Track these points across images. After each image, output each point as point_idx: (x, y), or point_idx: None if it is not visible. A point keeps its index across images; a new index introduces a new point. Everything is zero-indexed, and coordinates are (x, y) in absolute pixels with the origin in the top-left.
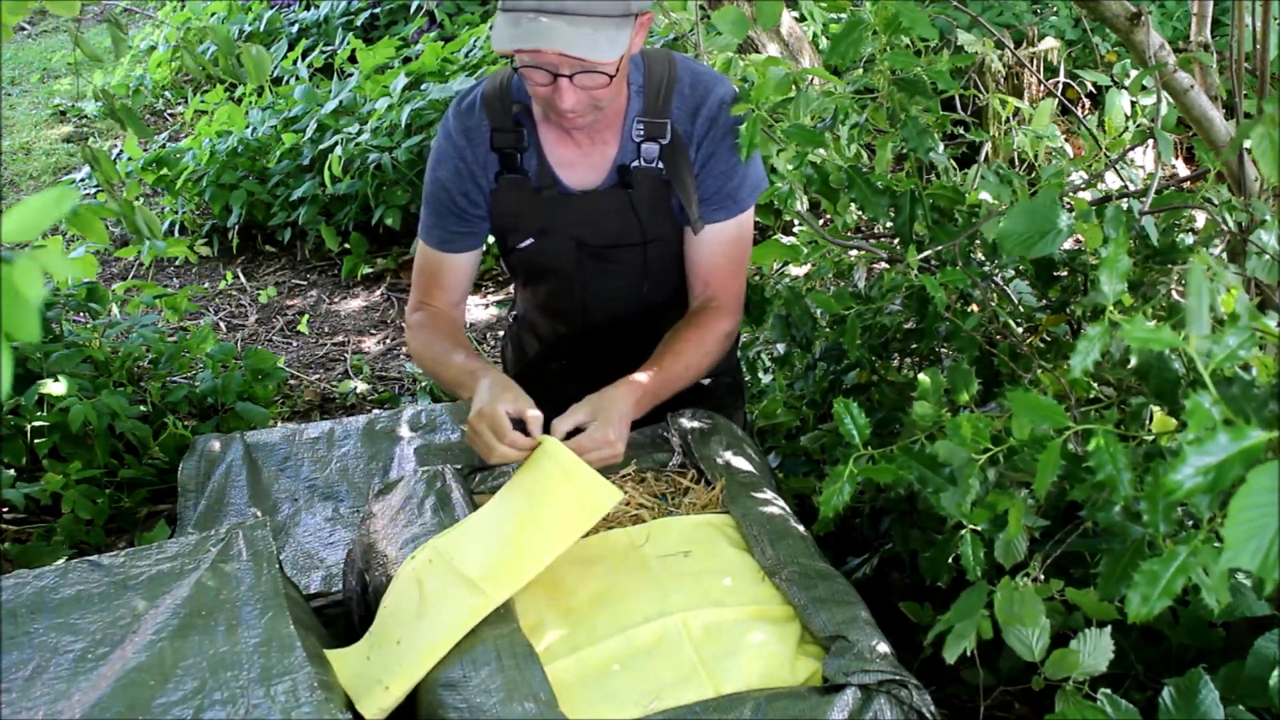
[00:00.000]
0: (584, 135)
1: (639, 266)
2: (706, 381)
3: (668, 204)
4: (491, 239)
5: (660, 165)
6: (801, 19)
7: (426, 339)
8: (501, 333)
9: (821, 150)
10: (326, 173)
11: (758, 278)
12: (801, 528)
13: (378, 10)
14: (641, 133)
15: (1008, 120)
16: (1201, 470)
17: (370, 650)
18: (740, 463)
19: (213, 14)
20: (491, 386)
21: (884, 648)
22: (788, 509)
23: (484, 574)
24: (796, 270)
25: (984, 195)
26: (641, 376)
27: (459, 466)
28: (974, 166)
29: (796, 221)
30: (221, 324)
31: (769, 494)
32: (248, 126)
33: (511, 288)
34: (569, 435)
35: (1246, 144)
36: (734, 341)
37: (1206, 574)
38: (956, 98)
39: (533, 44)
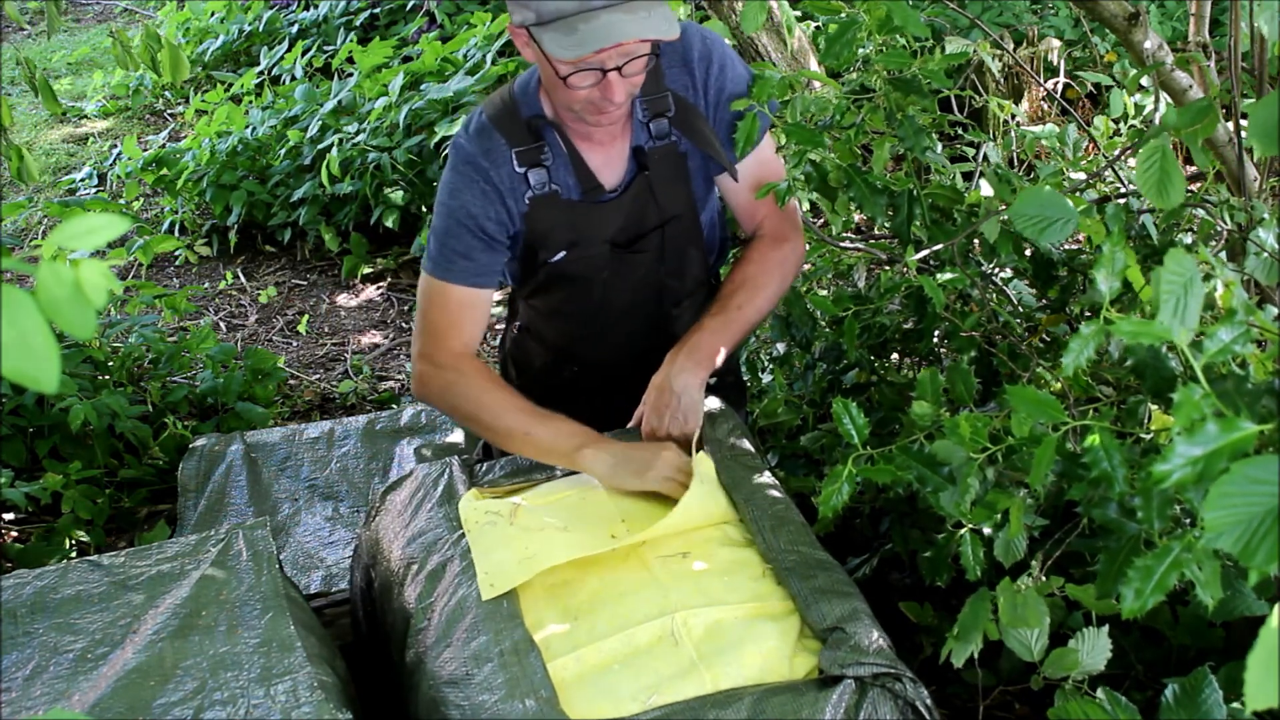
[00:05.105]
0: (605, 133)
1: (657, 250)
2: (711, 380)
3: (684, 176)
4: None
5: (674, 137)
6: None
7: (472, 391)
8: (498, 343)
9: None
10: (324, 173)
11: None
12: (801, 517)
13: (377, 10)
14: (647, 111)
15: (1005, 122)
16: (1190, 461)
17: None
18: (745, 445)
19: (212, 13)
20: (633, 441)
21: (881, 641)
22: (788, 497)
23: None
24: None
25: (985, 189)
26: (704, 332)
27: (464, 457)
28: (957, 164)
29: None
30: (221, 324)
31: (770, 479)
32: (248, 126)
33: (507, 293)
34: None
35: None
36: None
37: (1200, 570)
38: (953, 99)
39: (609, 41)
